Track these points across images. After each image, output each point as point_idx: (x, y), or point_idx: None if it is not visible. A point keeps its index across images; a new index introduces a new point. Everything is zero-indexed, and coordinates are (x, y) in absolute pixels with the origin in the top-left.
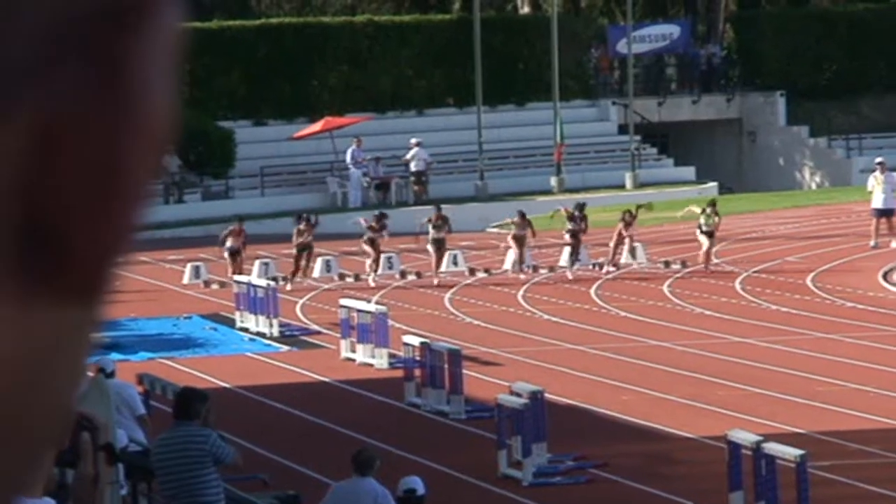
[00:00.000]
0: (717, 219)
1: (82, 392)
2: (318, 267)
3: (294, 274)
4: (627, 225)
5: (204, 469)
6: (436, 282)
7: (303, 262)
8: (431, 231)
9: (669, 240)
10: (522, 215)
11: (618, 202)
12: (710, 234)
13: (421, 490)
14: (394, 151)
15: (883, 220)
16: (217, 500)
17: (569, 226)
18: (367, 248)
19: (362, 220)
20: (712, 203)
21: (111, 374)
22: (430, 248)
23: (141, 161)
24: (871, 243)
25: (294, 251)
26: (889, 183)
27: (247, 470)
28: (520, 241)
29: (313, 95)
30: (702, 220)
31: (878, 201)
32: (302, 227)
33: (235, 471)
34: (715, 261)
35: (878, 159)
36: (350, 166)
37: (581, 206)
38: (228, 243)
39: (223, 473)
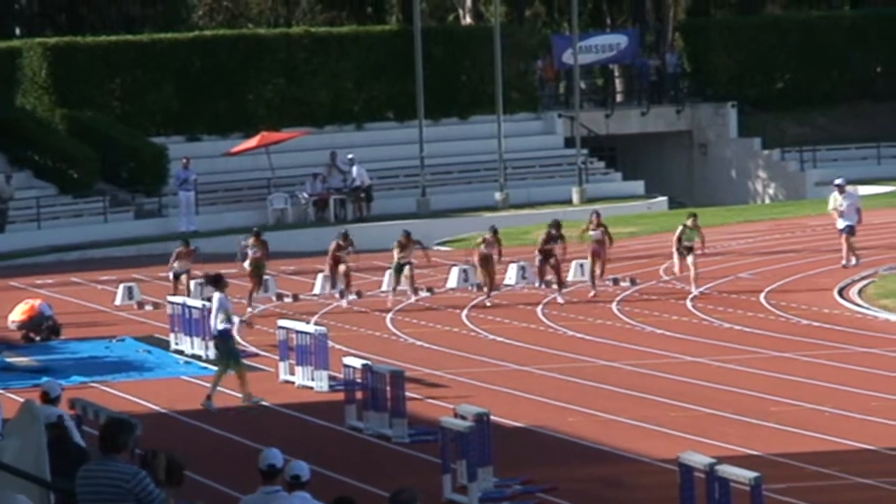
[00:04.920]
0: (698, 235)
1: (13, 419)
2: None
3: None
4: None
5: None
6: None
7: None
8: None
9: (618, 257)
10: (495, 231)
11: (565, 218)
12: (689, 251)
13: (306, 476)
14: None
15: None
16: None
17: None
18: (330, 267)
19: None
20: (693, 215)
21: (56, 400)
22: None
23: None
24: (843, 263)
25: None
26: (851, 203)
27: (183, 497)
28: (486, 261)
29: (249, 110)
30: (683, 236)
31: (841, 222)
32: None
33: None
34: (665, 277)
35: (837, 180)
36: (178, 189)
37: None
38: (176, 266)
39: None
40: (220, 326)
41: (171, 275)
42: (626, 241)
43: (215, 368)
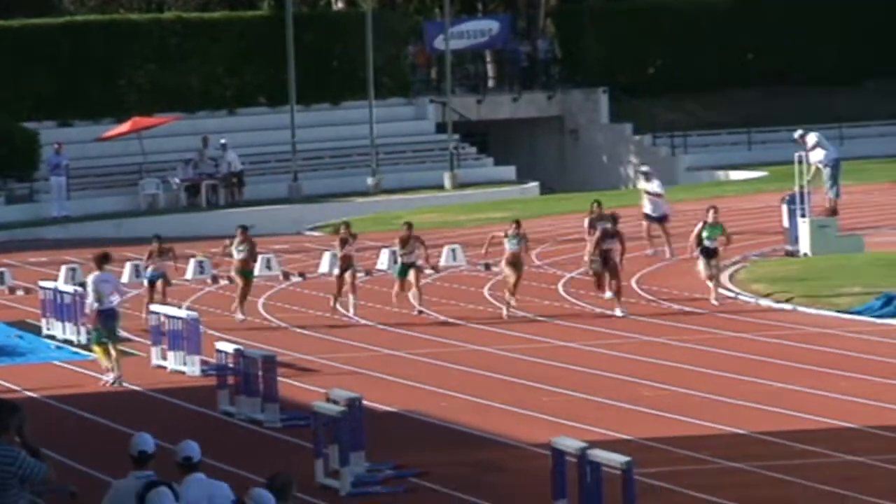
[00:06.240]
0: (722, 230)
1: None
2: (126, 272)
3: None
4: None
5: (10, 491)
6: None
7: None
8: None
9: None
10: (518, 223)
11: (436, 203)
12: (712, 254)
13: (197, 456)
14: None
15: (655, 225)
16: None
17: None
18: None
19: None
20: (713, 208)
21: None
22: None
23: None
24: (648, 251)
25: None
26: (657, 191)
27: (55, 482)
28: (516, 263)
29: (121, 95)
30: (704, 233)
31: (647, 208)
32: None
33: (46, 484)
34: (537, 262)
35: (643, 168)
36: (50, 174)
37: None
38: (150, 269)
39: (31, 487)
40: (102, 306)
41: (145, 280)
42: (495, 226)
43: (87, 353)
